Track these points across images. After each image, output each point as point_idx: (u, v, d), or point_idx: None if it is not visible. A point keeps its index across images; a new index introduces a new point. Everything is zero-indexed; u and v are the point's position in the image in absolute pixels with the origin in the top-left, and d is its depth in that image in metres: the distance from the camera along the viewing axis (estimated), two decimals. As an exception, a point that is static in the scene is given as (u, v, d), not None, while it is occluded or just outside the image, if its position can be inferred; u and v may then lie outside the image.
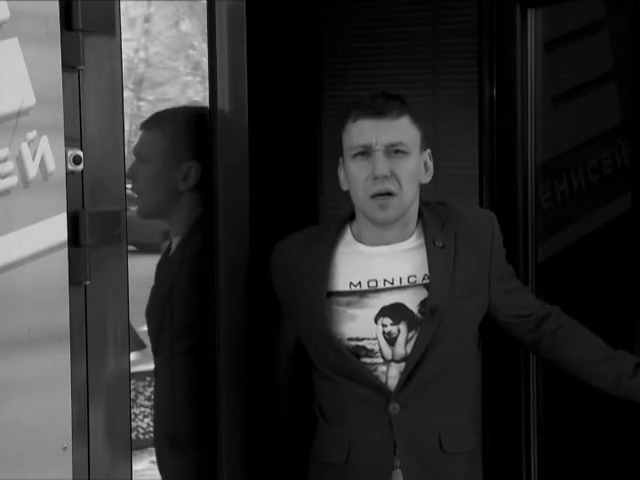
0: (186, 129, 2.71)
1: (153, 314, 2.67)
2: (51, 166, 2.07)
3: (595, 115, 3.38)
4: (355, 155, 2.39)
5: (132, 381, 2.37)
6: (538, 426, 3.47)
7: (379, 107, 2.38)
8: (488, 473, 2.60)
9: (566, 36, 3.45)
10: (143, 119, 2.71)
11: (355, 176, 2.39)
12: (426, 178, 2.47)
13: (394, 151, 2.37)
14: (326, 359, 2.43)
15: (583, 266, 3.40)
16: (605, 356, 2.52)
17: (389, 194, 2.36)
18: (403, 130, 2.39)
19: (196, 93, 2.88)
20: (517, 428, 3.47)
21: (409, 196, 2.40)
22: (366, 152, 2.37)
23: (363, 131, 2.38)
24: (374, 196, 2.37)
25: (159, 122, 2.68)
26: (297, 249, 2.50)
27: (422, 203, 2.49)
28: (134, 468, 2.36)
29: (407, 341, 2.40)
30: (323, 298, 2.41)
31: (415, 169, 2.41)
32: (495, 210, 3.46)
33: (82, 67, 2.19)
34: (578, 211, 3.44)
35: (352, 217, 2.51)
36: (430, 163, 2.47)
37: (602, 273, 3.32)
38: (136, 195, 2.63)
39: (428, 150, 2.47)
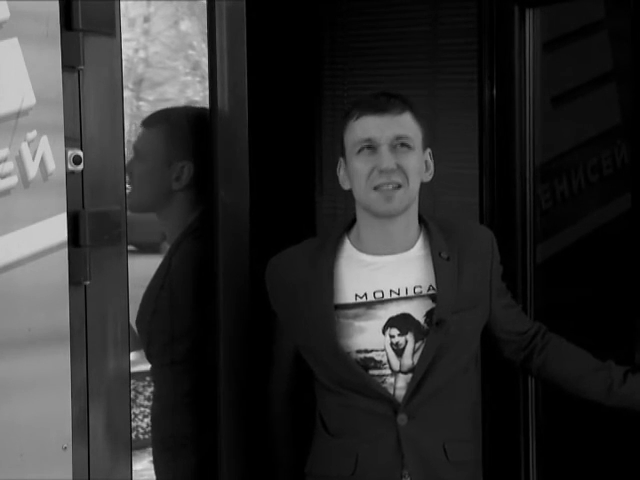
0: (183, 129, 2.72)
1: (142, 324, 2.68)
2: (51, 166, 2.07)
3: (595, 115, 3.38)
4: (360, 150, 2.38)
5: (132, 381, 2.37)
6: (537, 436, 3.47)
7: (382, 105, 2.38)
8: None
9: (565, 36, 3.45)
10: (143, 119, 2.73)
11: (359, 170, 2.38)
12: (427, 177, 2.46)
13: (399, 144, 2.37)
14: (332, 373, 2.41)
15: (583, 266, 3.40)
16: (595, 367, 2.54)
17: (395, 186, 2.36)
18: (407, 125, 2.39)
19: (195, 93, 2.88)
20: (516, 438, 3.47)
21: (414, 190, 2.40)
22: (371, 146, 2.37)
23: (367, 126, 2.37)
24: (379, 187, 2.36)
25: (158, 121, 2.71)
26: (299, 263, 2.47)
27: (424, 214, 2.49)
28: (134, 468, 2.36)
29: (414, 352, 2.39)
30: (331, 312, 2.39)
31: (419, 164, 2.41)
32: (495, 210, 3.48)
33: (82, 67, 2.19)
34: (578, 211, 3.44)
35: (349, 227, 2.50)
36: (431, 162, 2.46)
37: (602, 273, 3.32)
38: (130, 189, 2.66)
39: (429, 149, 2.47)
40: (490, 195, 3.49)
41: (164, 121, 2.73)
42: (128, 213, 2.33)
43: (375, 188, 2.36)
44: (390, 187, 2.36)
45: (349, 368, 2.38)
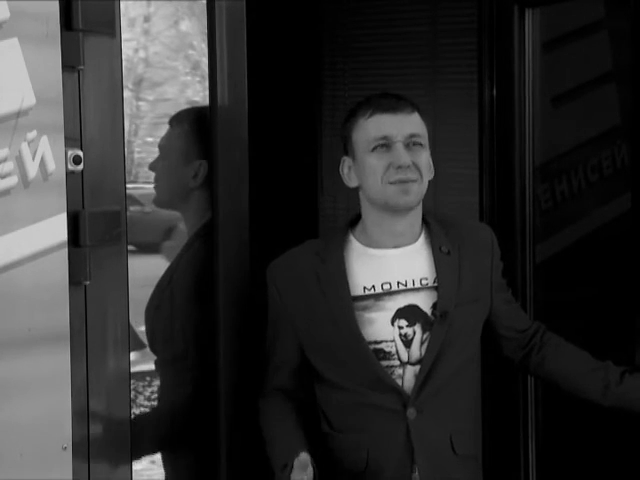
0: (202, 128, 2.73)
1: (147, 318, 2.69)
2: (51, 166, 2.07)
3: (595, 115, 3.38)
4: (374, 148, 2.41)
5: (132, 381, 2.37)
6: (536, 433, 3.47)
7: (393, 104, 2.42)
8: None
9: (565, 36, 3.45)
10: (143, 119, 2.76)
11: (375, 166, 2.41)
12: (430, 175, 2.49)
13: (413, 143, 2.41)
14: (344, 368, 2.42)
15: (583, 266, 3.40)
16: (592, 367, 2.55)
17: (411, 181, 2.40)
18: (418, 124, 2.44)
19: (195, 93, 2.89)
20: (515, 435, 3.47)
21: (426, 185, 2.45)
22: (386, 144, 2.40)
23: (382, 124, 2.41)
24: (396, 182, 2.39)
25: (180, 120, 2.78)
26: (308, 260, 2.47)
27: (425, 211, 2.52)
28: (134, 468, 2.36)
29: (422, 343, 2.42)
30: (349, 304, 2.41)
31: (429, 161, 2.46)
32: (495, 210, 3.47)
33: (82, 67, 2.20)
34: (578, 211, 3.44)
35: (351, 225, 2.51)
36: (431, 162, 2.50)
37: (602, 273, 3.32)
38: (154, 185, 2.75)
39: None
40: (490, 195, 3.49)
41: (185, 121, 2.79)
42: (128, 213, 2.34)
43: (392, 182, 2.39)
44: (406, 182, 2.39)
45: (365, 359, 2.39)
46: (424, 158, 2.43)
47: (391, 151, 2.40)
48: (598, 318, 3.28)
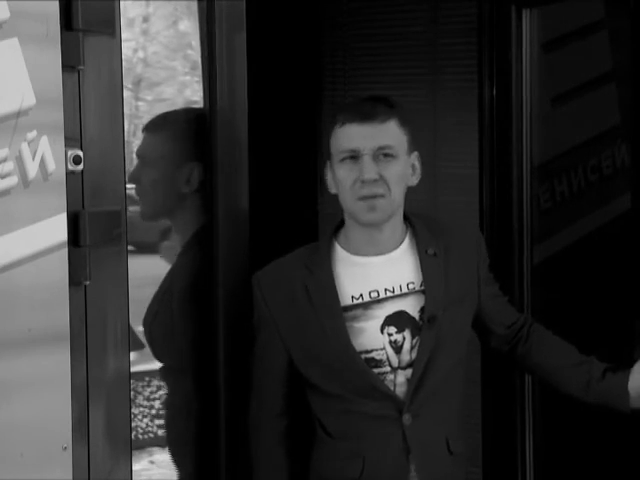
0: (188, 131, 2.71)
1: (146, 324, 2.68)
2: (51, 166, 2.07)
3: (595, 115, 3.38)
4: (343, 159, 2.40)
5: (131, 381, 2.36)
6: (534, 435, 3.48)
7: (366, 111, 2.39)
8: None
9: (565, 36, 3.45)
10: (142, 119, 2.72)
11: (343, 179, 2.40)
12: (413, 181, 2.47)
13: (382, 155, 2.38)
14: (338, 377, 2.41)
15: (583, 266, 3.40)
16: (576, 361, 2.55)
17: (378, 196, 2.37)
18: (390, 134, 2.39)
19: (194, 93, 2.88)
20: (513, 438, 3.47)
21: (397, 198, 2.41)
22: (354, 156, 2.38)
23: (351, 136, 2.38)
24: (363, 198, 2.37)
25: (162, 124, 2.70)
26: (296, 270, 2.46)
27: (410, 213, 2.51)
28: (133, 468, 2.36)
29: (412, 347, 2.42)
30: (340, 314, 2.40)
31: (402, 172, 2.42)
32: (494, 210, 3.48)
33: (82, 67, 2.20)
34: (578, 211, 3.45)
35: (336, 231, 2.50)
36: (418, 165, 2.47)
37: (602, 273, 3.32)
38: (138, 197, 2.65)
39: (416, 153, 2.47)
40: (490, 195, 3.49)
41: (168, 124, 2.72)
42: (128, 213, 2.34)
43: (359, 198, 2.38)
44: (373, 198, 2.37)
45: (358, 369, 2.39)
46: (394, 170, 2.39)
47: (358, 164, 2.37)
48: (597, 319, 3.28)
